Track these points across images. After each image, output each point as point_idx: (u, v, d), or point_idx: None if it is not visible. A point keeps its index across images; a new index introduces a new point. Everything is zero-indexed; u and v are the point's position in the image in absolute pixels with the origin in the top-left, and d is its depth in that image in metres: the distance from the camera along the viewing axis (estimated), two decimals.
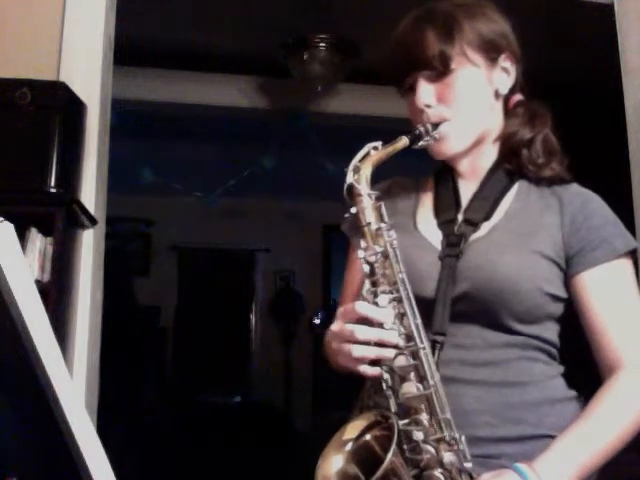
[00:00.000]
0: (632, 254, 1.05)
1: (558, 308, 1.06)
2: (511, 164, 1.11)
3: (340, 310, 0.98)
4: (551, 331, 1.06)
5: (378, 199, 0.98)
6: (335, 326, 0.97)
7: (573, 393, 1.07)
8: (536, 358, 1.04)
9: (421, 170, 1.22)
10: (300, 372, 5.89)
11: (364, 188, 0.97)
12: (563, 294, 1.05)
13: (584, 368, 1.06)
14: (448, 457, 0.89)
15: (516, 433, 0.98)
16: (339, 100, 3.70)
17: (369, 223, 0.96)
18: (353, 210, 0.97)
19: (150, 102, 3.58)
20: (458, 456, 0.89)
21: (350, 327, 0.93)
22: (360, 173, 0.98)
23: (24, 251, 1.77)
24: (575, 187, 1.10)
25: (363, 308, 0.93)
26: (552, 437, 0.97)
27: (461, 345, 1.01)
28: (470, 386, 1.00)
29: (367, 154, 0.99)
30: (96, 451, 0.62)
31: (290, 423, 5.43)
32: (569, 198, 1.07)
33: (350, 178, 0.98)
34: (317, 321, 6.09)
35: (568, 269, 1.04)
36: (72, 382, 0.62)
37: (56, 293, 1.76)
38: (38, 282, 1.75)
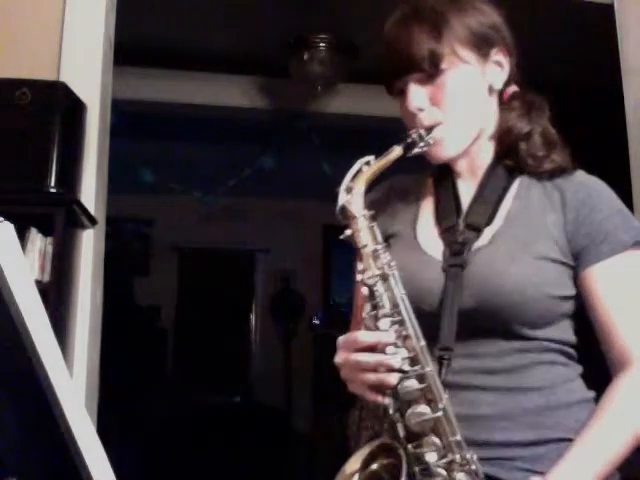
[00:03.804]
0: None
1: (571, 305, 1.02)
2: (510, 160, 1.07)
3: (340, 340, 0.94)
4: (567, 329, 1.03)
5: (372, 218, 0.95)
6: (338, 357, 0.93)
7: (592, 394, 1.03)
8: (554, 361, 1.01)
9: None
10: (300, 372, 5.88)
11: (358, 209, 0.93)
12: (573, 292, 1.02)
13: (600, 363, 1.03)
14: (460, 478, 0.87)
15: (532, 437, 0.96)
16: (339, 100, 3.70)
17: (365, 245, 0.93)
18: (348, 232, 0.94)
19: (150, 102, 3.58)
20: (471, 476, 0.87)
21: (353, 357, 0.90)
22: (353, 192, 0.93)
23: (24, 251, 1.77)
24: (578, 177, 1.06)
25: (363, 336, 0.91)
26: (569, 440, 0.95)
27: (473, 354, 0.98)
28: (485, 392, 0.97)
29: (359, 171, 0.95)
30: (96, 451, 0.62)
31: (290, 423, 5.43)
32: (573, 190, 1.03)
33: (342, 199, 0.93)
34: (317, 321, 6.08)
35: (576, 265, 1.01)
36: (72, 382, 0.62)
37: (56, 293, 1.76)
38: (38, 282, 1.75)
